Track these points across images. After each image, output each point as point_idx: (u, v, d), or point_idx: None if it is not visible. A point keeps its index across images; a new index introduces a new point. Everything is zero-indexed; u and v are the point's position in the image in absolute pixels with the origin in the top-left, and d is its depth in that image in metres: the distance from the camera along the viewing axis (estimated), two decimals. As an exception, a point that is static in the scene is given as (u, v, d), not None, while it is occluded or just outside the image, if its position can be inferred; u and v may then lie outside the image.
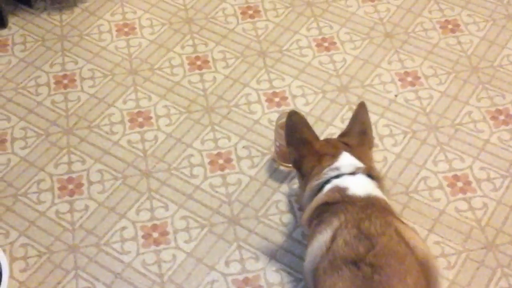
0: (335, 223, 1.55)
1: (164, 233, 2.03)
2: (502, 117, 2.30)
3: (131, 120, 2.29)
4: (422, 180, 2.14)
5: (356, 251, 1.44)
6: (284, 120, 2.06)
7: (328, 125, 2.27)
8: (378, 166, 2.07)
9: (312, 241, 1.62)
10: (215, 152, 2.21)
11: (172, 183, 2.14)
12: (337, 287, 1.42)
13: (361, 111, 1.85)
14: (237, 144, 2.23)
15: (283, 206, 2.09)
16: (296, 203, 2.06)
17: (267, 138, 2.25)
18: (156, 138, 2.25)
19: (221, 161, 2.19)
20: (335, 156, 1.73)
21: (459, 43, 2.51)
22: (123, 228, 2.04)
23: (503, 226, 2.04)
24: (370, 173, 1.71)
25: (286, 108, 2.32)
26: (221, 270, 1.95)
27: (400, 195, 2.10)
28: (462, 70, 2.44)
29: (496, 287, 1.91)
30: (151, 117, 2.30)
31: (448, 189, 2.11)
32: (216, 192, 2.12)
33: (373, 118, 2.27)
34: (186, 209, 2.08)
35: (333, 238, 1.51)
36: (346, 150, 1.74)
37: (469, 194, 2.10)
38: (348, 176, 1.67)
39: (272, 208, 2.08)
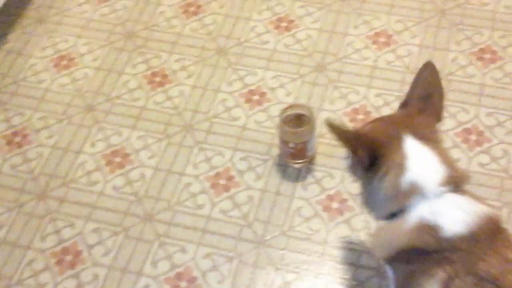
0: (441, 275, 1.24)
1: (192, 280, 1.81)
2: (488, 56, 2.19)
3: (108, 163, 2.03)
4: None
5: None
6: (290, 112, 1.89)
7: (319, 110, 2.09)
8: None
9: None
10: (212, 173, 2.00)
11: (179, 221, 1.91)
12: None
13: (425, 71, 1.39)
14: (232, 158, 2.02)
15: (307, 211, 1.90)
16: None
17: (262, 142, 2.05)
18: (143, 175, 2.00)
19: (222, 182, 1.98)
20: (399, 142, 1.31)
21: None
22: (146, 286, 1.80)
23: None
24: (458, 182, 1.30)
25: (270, 105, 2.12)
26: (270, 302, 1.76)
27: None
28: (431, 17, 2.30)
29: None
30: (128, 154, 2.05)
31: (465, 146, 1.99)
32: (231, 217, 1.91)
33: (361, 90, 2.12)
34: (206, 245, 1.86)
35: None
36: (411, 133, 1.32)
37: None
38: (438, 202, 1.27)
39: (296, 218, 1.90)
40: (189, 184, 1.97)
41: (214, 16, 2.36)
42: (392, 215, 1.32)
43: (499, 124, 2.04)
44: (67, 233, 1.90)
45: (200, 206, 1.93)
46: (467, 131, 2.03)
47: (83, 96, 2.18)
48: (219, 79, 2.20)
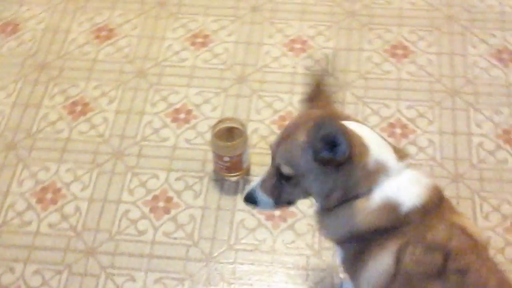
0: (392, 247, 1.29)
1: (145, 307, 1.77)
2: (400, 51, 2.27)
3: (39, 201, 1.96)
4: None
5: (434, 264, 1.28)
6: (221, 126, 1.89)
7: (247, 121, 2.10)
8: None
9: (362, 269, 1.35)
10: (149, 197, 1.96)
11: (123, 250, 1.86)
12: None
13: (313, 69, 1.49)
14: (168, 179, 2.00)
15: (250, 222, 1.91)
16: None
17: (196, 160, 2.03)
18: (78, 209, 1.95)
19: (161, 204, 1.95)
20: (355, 136, 1.28)
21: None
22: (99, 322, 1.75)
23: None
24: (405, 157, 1.34)
25: (198, 121, 2.11)
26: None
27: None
28: (341, 19, 2.36)
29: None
30: (59, 189, 1.98)
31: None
32: (175, 238, 1.89)
33: (284, 97, 2.15)
34: (155, 270, 1.83)
35: (398, 260, 1.30)
36: (344, 120, 1.31)
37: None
38: (399, 178, 1.30)
39: (241, 231, 1.90)
40: (127, 211, 1.93)
41: (127, 38, 2.33)
42: (345, 201, 1.31)
43: (420, 115, 2.12)
44: (7, 279, 1.82)
45: (142, 232, 1.90)
46: (392, 125, 2.09)
47: (2, 135, 2.10)
48: (142, 101, 2.17)
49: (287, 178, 1.32)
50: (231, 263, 1.84)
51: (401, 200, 1.28)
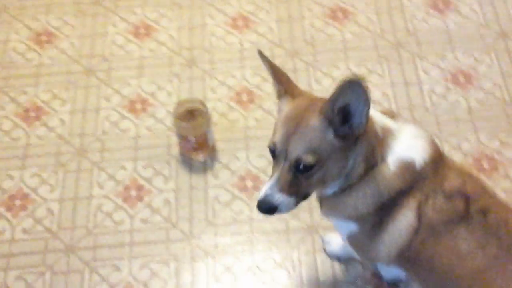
0: (412, 204, 1.31)
1: (135, 294, 1.77)
2: (340, 15, 2.32)
3: (8, 209, 1.93)
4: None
5: (456, 210, 1.31)
6: (181, 109, 1.90)
7: (205, 101, 2.11)
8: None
9: (379, 235, 1.36)
10: (120, 188, 1.96)
11: (103, 243, 1.86)
12: (463, 246, 1.30)
13: (264, 60, 1.38)
14: (135, 168, 1.99)
15: (225, 197, 1.93)
16: None
17: (159, 146, 2.04)
18: (50, 210, 1.92)
19: (133, 193, 1.95)
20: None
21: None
22: (91, 316, 1.73)
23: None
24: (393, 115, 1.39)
25: (155, 109, 2.12)
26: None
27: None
28: (278, -8, 2.41)
29: None
30: (27, 194, 1.96)
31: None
32: (154, 223, 1.89)
33: (236, 73, 2.18)
34: (138, 257, 1.83)
35: (420, 215, 1.32)
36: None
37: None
38: (404, 136, 1.32)
39: (217, 206, 1.91)
40: (100, 204, 1.92)
41: (68, 40, 2.31)
42: (363, 175, 1.31)
43: (370, 71, 2.18)
44: (-12, 290, 1.78)
45: (119, 223, 1.89)
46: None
47: (-42, 150, 2.05)
48: (95, 98, 2.16)
49: (306, 169, 1.26)
50: (213, 238, 1.85)
51: (413, 157, 1.30)
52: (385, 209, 1.33)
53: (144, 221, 1.89)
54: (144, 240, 1.85)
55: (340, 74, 2.16)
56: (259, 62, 2.16)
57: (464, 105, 2.06)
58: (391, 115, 1.37)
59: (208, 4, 2.38)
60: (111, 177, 1.98)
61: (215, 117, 2.07)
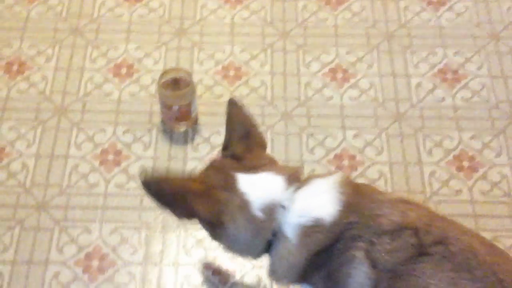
0: (358, 255, 1.22)
1: (103, 257, 1.75)
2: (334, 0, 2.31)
3: (-18, 160, 1.90)
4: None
5: (411, 246, 1.20)
6: (167, 78, 1.88)
7: (192, 73, 2.09)
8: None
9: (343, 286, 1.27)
10: (97, 151, 1.94)
11: (76, 204, 1.84)
12: (432, 286, 1.17)
13: (232, 110, 1.37)
14: (115, 132, 1.98)
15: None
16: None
17: (141, 112, 2.02)
18: (25, 165, 1.90)
19: (111, 157, 1.93)
20: (233, 188, 1.27)
21: None
22: (57, 274, 1.71)
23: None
24: (298, 177, 1.32)
25: (140, 75, 2.10)
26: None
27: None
28: (275, -29, 2.38)
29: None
30: (3, 148, 1.93)
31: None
32: (128, 189, 1.87)
33: (226, 48, 2.16)
34: (110, 221, 1.81)
35: (373, 263, 1.21)
36: (241, 171, 1.29)
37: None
38: (296, 203, 1.26)
39: (194, 178, 1.89)
40: (76, 165, 1.90)
41: (59, -4, 2.27)
42: (269, 246, 1.29)
43: (360, 60, 2.17)
44: (-46, 240, 1.76)
45: (93, 185, 1.87)
46: (333, 71, 2.13)
47: None
48: (81, 58, 2.13)
49: None
50: (187, 210, 1.83)
51: (315, 216, 1.24)
52: (329, 268, 1.26)
53: (119, 186, 1.87)
54: (117, 205, 1.84)
55: (330, 59, 2.15)
56: (249, 38, 2.17)
57: (450, 102, 2.06)
58: (295, 175, 1.30)
59: (203, -25, 2.35)
60: (90, 139, 1.95)
61: (200, 90, 2.05)
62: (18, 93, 2.03)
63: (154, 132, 1.97)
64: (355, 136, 1.99)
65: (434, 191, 1.89)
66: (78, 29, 2.19)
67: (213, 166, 1.33)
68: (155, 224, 1.81)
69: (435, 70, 2.14)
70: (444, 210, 1.85)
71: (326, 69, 2.13)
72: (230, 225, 1.26)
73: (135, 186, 1.87)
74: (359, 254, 1.22)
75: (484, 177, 1.91)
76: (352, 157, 1.95)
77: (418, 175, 1.92)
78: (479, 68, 2.13)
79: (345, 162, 1.93)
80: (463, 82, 2.11)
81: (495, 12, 2.27)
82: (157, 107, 1.98)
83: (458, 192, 1.89)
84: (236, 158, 1.31)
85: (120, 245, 1.77)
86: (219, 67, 2.12)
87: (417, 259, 1.19)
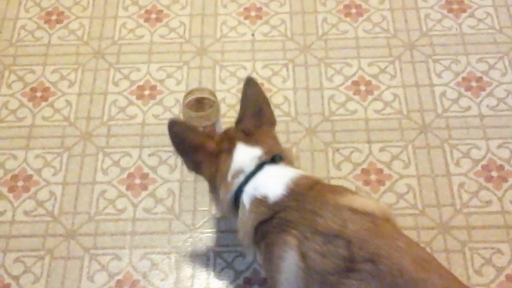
0: (291, 241, 1.32)
1: (134, 284, 1.76)
2: (354, 10, 2.30)
3: (11, 190, 1.93)
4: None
5: (341, 257, 1.25)
6: (191, 98, 1.88)
7: (214, 92, 2.09)
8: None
9: (276, 269, 1.36)
10: (124, 175, 1.94)
11: (104, 230, 1.84)
12: None
13: (248, 88, 1.55)
14: (141, 156, 1.98)
15: (229, 191, 1.90)
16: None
17: (166, 134, 1.99)
18: (52, 194, 1.91)
19: (138, 181, 1.93)
20: (230, 152, 1.49)
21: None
22: (89, 304, 1.72)
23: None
24: (273, 155, 1.48)
25: (163, 96, 2.10)
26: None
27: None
28: (293, -16, 2.37)
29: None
30: (30, 176, 1.94)
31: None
32: (156, 213, 1.87)
33: (247, 64, 2.15)
34: (139, 247, 1.82)
35: (303, 256, 1.30)
36: (241, 140, 1.50)
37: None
38: (257, 177, 1.45)
39: (221, 199, 1.89)
40: (104, 191, 1.91)
41: (79, 20, 2.28)
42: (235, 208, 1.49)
43: (382, 71, 2.15)
44: (-13, 271, 1.77)
45: (121, 211, 1.87)
46: (355, 83, 2.12)
47: (-38, 127, 2.03)
48: (103, 81, 2.13)
49: None
50: (215, 232, 1.84)
51: (265, 193, 1.41)
52: (268, 240, 1.39)
53: (147, 210, 1.87)
54: (146, 230, 1.84)
55: (353, 72, 2.13)
56: (270, 54, 2.16)
57: (476, 111, 2.04)
58: (271, 152, 1.49)
59: (221, -8, 2.35)
60: (116, 163, 1.96)
61: (223, 108, 2.05)
62: (43, 120, 2.04)
63: (179, 154, 1.96)
64: (381, 149, 1.97)
65: (464, 203, 1.87)
66: (100, 52, 2.20)
67: (226, 134, 1.54)
68: (185, 248, 1.81)
69: (459, 78, 2.11)
70: (475, 222, 1.83)
71: (349, 82, 2.12)
72: (220, 189, 1.50)
73: (163, 210, 1.87)
74: (292, 241, 1.32)
75: (513, 186, 1.89)
76: (379, 171, 1.93)
77: (447, 187, 1.90)
78: (503, 75, 2.11)
79: (372, 177, 1.92)
80: (488, 89, 2.09)
81: (518, 17, 2.24)
82: (181, 129, 1.97)
83: (488, 203, 1.86)
84: (245, 132, 1.50)
85: (150, 271, 1.77)
86: (241, 85, 2.11)
87: (346, 274, 1.24)
